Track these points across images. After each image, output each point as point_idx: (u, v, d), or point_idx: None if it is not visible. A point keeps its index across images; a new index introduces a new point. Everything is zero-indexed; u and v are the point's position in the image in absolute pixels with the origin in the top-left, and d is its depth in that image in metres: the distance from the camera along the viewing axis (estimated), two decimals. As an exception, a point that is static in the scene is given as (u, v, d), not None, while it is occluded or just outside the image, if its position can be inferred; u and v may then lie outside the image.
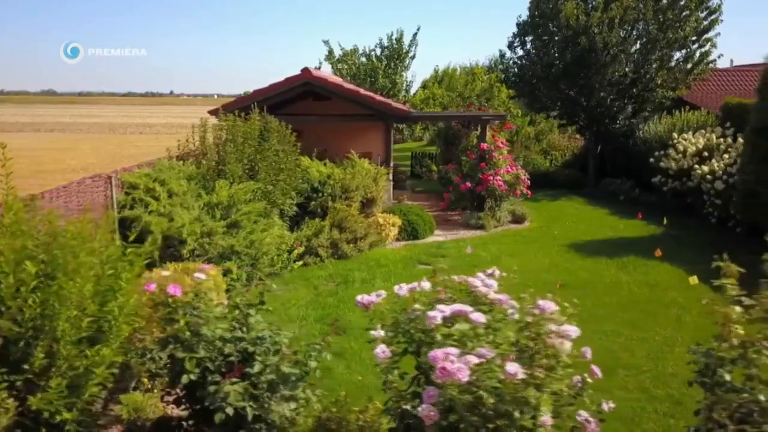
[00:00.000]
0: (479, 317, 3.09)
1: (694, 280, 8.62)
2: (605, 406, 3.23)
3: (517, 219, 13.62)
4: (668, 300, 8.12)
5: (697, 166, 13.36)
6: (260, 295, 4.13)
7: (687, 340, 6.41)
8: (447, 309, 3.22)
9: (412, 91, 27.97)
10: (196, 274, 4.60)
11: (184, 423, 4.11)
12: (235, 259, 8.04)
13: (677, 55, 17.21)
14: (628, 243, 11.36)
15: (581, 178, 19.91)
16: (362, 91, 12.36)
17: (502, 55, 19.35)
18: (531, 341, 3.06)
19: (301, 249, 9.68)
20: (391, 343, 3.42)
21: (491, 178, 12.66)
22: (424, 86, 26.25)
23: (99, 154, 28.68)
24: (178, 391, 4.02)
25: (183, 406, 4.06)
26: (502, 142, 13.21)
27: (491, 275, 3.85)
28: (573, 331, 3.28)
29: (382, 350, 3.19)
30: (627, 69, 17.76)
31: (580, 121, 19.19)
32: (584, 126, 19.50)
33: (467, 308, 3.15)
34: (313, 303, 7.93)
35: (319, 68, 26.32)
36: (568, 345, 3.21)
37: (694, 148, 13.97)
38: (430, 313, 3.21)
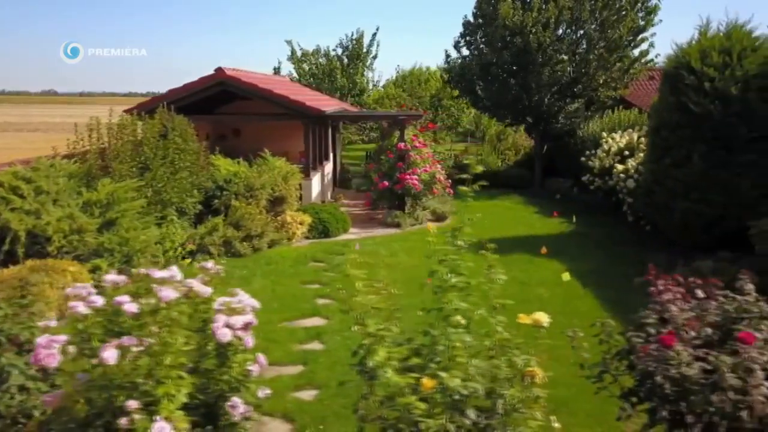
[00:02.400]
0: (131, 307, 3.20)
1: (566, 276, 8.78)
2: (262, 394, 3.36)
3: (439, 217, 13.74)
4: (531, 296, 8.24)
5: (617, 165, 13.47)
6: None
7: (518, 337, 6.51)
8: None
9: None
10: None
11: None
12: (107, 256, 8.18)
13: (615, 55, 17.27)
14: (531, 240, 11.45)
15: (529, 177, 20.03)
16: (276, 90, 12.44)
17: (448, 55, 19.44)
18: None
19: (193, 247, 9.80)
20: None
21: (408, 177, 12.77)
22: (384, 87, 26.39)
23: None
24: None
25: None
26: (420, 142, 13.31)
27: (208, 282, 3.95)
28: (240, 320, 3.41)
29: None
30: (569, 68, 17.88)
31: (525, 120, 19.29)
32: (531, 125, 19.61)
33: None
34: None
35: (279, 68, 26.54)
36: (228, 335, 3.33)
37: (616, 147, 14.07)
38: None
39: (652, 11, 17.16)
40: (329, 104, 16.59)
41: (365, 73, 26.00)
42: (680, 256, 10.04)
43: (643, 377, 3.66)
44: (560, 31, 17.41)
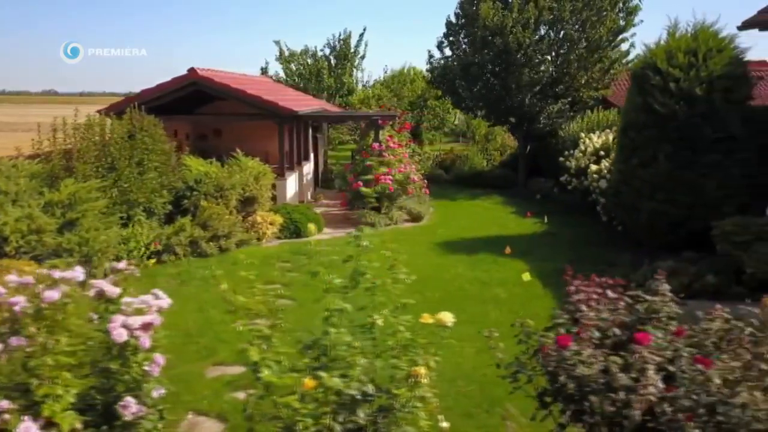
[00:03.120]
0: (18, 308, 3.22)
1: (526, 276, 8.80)
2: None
3: (415, 218, 13.75)
4: (489, 296, 8.26)
5: (592, 165, 13.48)
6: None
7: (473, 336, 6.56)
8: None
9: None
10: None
11: None
12: (66, 256, 8.18)
13: (595, 55, 17.27)
14: (500, 240, 11.45)
15: (513, 177, 20.05)
16: (249, 90, 12.45)
17: (431, 56, 19.44)
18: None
19: (159, 247, 9.81)
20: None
21: (382, 177, 12.79)
22: (371, 87, 26.41)
23: None
24: None
25: None
26: (394, 142, 13.33)
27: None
28: (138, 321, 3.42)
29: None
30: (550, 69, 17.90)
31: (509, 120, 19.30)
32: (514, 126, 19.62)
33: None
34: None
35: (266, 68, 26.56)
36: (124, 335, 3.34)
37: (593, 148, 14.08)
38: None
39: (632, 11, 17.17)
40: (309, 104, 16.61)
41: (354, 73, 26.08)
42: (647, 256, 10.05)
43: (550, 377, 3.68)
44: (542, 32, 17.43)
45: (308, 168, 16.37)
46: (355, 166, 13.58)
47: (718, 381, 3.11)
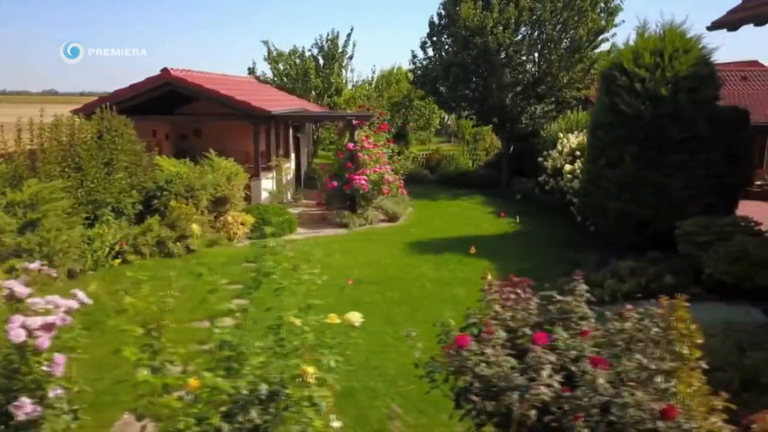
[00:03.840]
0: None
1: (489, 276, 8.83)
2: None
3: (391, 217, 13.76)
4: (448, 296, 8.27)
5: (566, 165, 13.48)
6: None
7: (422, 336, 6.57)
8: None
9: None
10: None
11: None
12: (26, 257, 8.20)
13: (576, 55, 17.27)
14: (471, 240, 11.41)
15: (496, 177, 20.05)
16: (222, 91, 12.45)
17: (414, 56, 19.43)
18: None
19: (126, 247, 9.82)
20: None
21: (356, 177, 12.80)
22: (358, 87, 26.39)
23: None
24: None
25: None
26: (369, 142, 13.33)
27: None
28: (38, 321, 3.43)
29: None
30: (532, 69, 17.92)
31: (492, 120, 19.30)
32: (497, 126, 19.63)
33: None
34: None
35: (254, 68, 26.56)
36: (22, 335, 3.35)
37: (569, 148, 14.08)
38: None
39: (613, 12, 17.16)
40: (289, 104, 16.61)
41: (344, 73, 26.03)
42: (615, 256, 10.06)
43: (456, 377, 3.69)
44: (523, 31, 17.42)
45: (288, 168, 16.37)
46: (330, 166, 13.57)
47: (602, 381, 3.12)
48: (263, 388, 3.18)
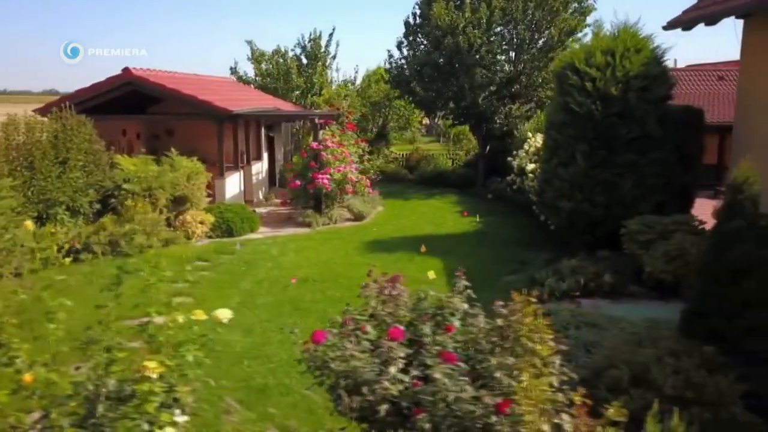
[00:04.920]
0: None
1: (431, 274, 8.83)
2: None
3: (357, 217, 13.78)
4: (388, 295, 8.27)
5: (528, 164, 13.51)
6: None
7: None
8: None
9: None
10: None
11: None
12: (-32, 255, 8.24)
13: (550, 54, 17.28)
14: (427, 239, 11.48)
15: (473, 177, 20.06)
16: (184, 90, 12.48)
17: (390, 56, 19.47)
18: None
19: (78, 246, 9.86)
20: None
21: (319, 177, 12.82)
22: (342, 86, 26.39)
23: None
24: None
25: None
26: (333, 142, 13.35)
27: None
28: None
29: None
30: (506, 69, 17.94)
31: (468, 120, 19.32)
32: (474, 125, 19.66)
33: None
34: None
35: (235, 68, 26.57)
36: None
37: (534, 148, 14.11)
38: None
39: (585, 12, 17.18)
40: (261, 104, 16.62)
41: (329, 72, 26.04)
42: (568, 255, 10.09)
43: (320, 372, 3.72)
44: (498, 30, 17.43)
45: (259, 167, 16.40)
46: (294, 165, 13.61)
47: (438, 376, 3.14)
48: (111, 384, 3.21)
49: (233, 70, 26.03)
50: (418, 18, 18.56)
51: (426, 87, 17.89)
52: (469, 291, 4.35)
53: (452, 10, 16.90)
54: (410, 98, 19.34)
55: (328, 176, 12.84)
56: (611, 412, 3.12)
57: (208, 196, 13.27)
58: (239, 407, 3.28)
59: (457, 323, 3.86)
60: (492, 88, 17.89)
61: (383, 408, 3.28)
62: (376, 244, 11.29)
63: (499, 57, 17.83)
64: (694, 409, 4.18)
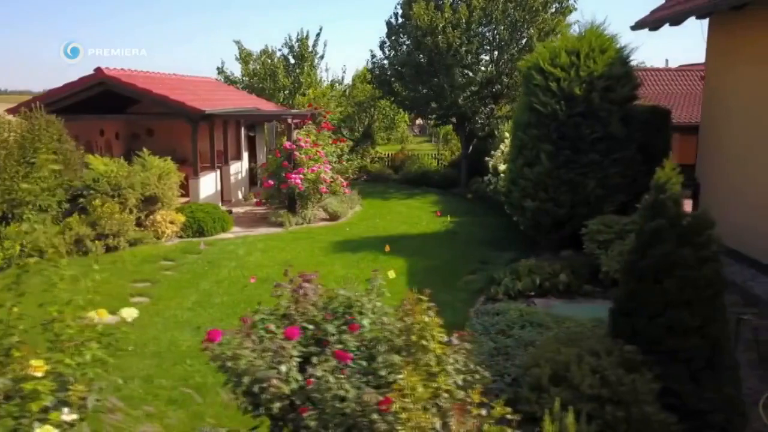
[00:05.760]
0: None
1: (392, 274, 8.84)
2: None
3: (332, 217, 13.80)
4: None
5: (501, 164, 13.53)
6: None
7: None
8: None
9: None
10: None
11: None
12: (-72, 254, 8.27)
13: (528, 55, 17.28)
14: (395, 239, 11.53)
15: (457, 177, 20.09)
16: (155, 90, 12.50)
17: (373, 56, 19.50)
18: None
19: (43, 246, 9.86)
20: None
21: (292, 177, 12.84)
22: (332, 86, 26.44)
23: None
24: None
25: None
26: (306, 141, 13.37)
27: None
28: None
29: None
30: (487, 69, 17.96)
31: (450, 120, 19.35)
32: (457, 125, 19.68)
33: None
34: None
35: (222, 68, 26.62)
36: None
37: (508, 148, 14.10)
38: None
39: (564, 12, 17.19)
40: (241, 104, 16.65)
41: (318, 72, 26.09)
42: (534, 254, 10.12)
43: (222, 370, 3.74)
44: (479, 31, 17.44)
45: (237, 167, 16.42)
46: (268, 165, 13.63)
47: (319, 374, 3.16)
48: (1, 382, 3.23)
49: (220, 70, 26.12)
50: (399, 18, 18.59)
51: (407, 87, 17.92)
52: (384, 290, 4.40)
53: (432, 10, 16.92)
54: (392, 98, 19.36)
55: (301, 176, 12.85)
56: (496, 410, 3.14)
57: (183, 195, 13.32)
58: (123, 405, 3.29)
59: (366, 322, 3.89)
60: (473, 88, 17.92)
61: (276, 406, 3.31)
62: (345, 243, 11.30)
63: (483, 57, 17.85)
64: (608, 407, 4.21)
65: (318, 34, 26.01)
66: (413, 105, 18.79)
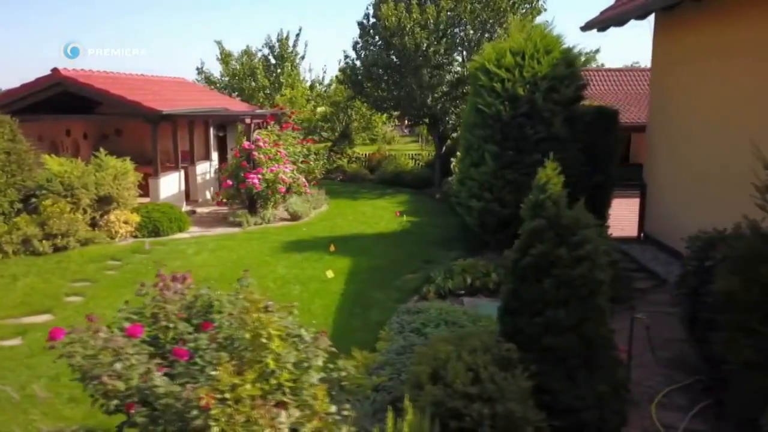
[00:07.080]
0: None
1: (330, 273, 8.87)
2: None
3: (294, 217, 13.84)
4: (283, 293, 8.33)
5: (462, 165, 13.56)
6: None
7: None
8: None
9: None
10: None
11: None
12: None
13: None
14: (349, 240, 11.59)
15: (431, 177, 20.12)
16: (112, 90, 12.54)
17: (346, 56, 19.52)
18: None
19: (-11, 245, 9.93)
20: None
21: (250, 177, 12.88)
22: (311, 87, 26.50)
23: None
24: None
25: None
26: (264, 141, 13.41)
27: None
28: None
29: None
30: (457, 69, 18.01)
31: (423, 121, 19.39)
32: (429, 126, 19.72)
33: None
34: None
35: (202, 68, 26.71)
36: None
37: (470, 148, 14.14)
38: None
39: (533, 13, 17.23)
40: (209, 104, 16.69)
41: (301, 73, 26.14)
42: (480, 254, 10.17)
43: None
44: (448, 31, 17.48)
45: (204, 167, 16.45)
46: (229, 165, 13.66)
47: (142, 370, 3.21)
48: None
49: (200, 70, 26.22)
50: (371, 19, 18.64)
51: (377, 87, 17.96)
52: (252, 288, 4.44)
53: (401, 10, 16.96)
54: (363, 99, 19.41)
55: (259, 176, 12.89)
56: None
57: (144, 195, 13.37)
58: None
59: (219, 320, 3.95)
60: (444, 89, 17.96)
61: (113, 403, 3.36)
62: (296, 243, 11.34)
63: (456, 57, 17.88)
64: (475, 405, 4.25)
65: (297, 35, 26.15)
66: (383, 105, 18.83)
